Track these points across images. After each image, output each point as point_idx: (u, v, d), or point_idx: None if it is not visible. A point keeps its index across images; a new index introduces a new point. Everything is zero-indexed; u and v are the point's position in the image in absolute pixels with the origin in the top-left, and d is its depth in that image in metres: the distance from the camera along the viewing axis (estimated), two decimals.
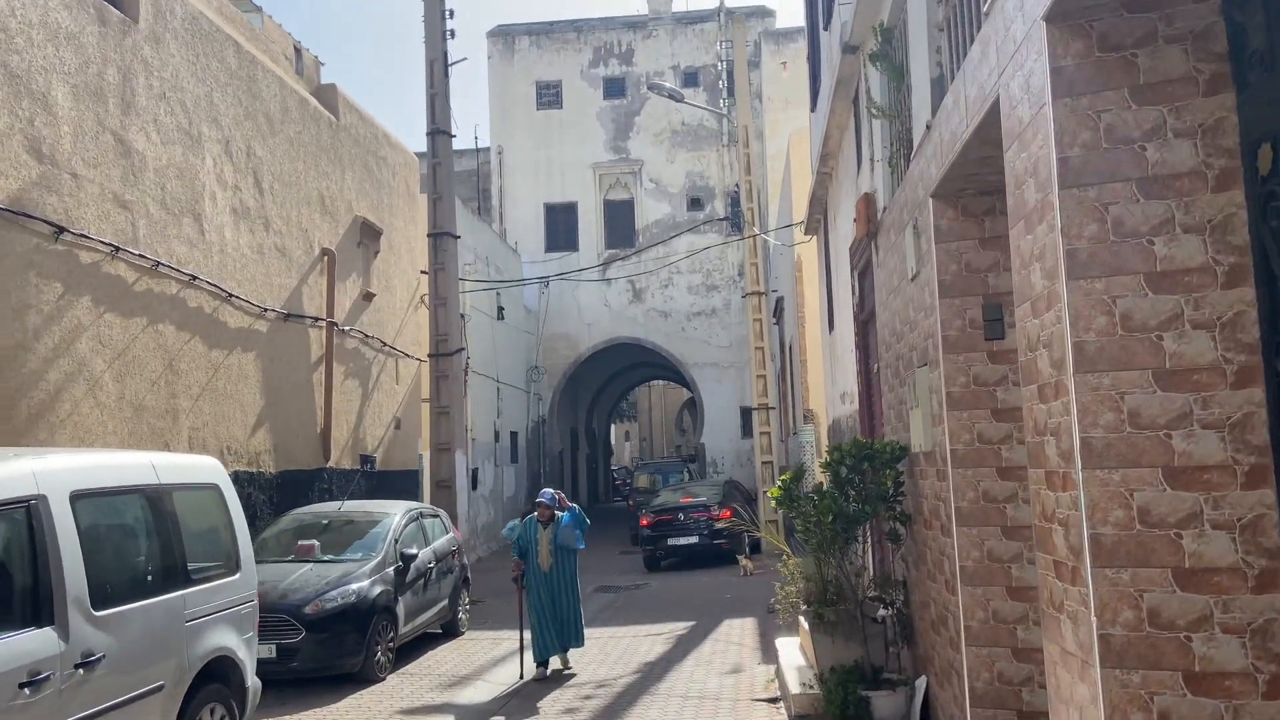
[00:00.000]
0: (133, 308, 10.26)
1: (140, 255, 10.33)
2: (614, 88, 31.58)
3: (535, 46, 31.79)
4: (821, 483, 7.89)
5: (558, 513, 10.21)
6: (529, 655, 10.23)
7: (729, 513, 19.28)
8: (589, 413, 37.58)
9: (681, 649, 11.44)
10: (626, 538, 23.38)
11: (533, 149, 31.53)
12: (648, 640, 12.05)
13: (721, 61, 30.11)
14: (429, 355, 15.97)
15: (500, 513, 26.15)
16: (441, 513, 13.17)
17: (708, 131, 31.22)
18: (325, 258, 14.38)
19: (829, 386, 13.78)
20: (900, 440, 7.23)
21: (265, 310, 12.77)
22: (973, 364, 5.65)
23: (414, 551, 11.22)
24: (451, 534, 13.01)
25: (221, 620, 6.73)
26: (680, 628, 12.78)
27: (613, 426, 55.34)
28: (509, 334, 27.73)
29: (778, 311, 24.28)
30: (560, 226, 31.43)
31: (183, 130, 11.19)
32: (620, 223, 31.43)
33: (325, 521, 11.60)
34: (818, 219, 13.59)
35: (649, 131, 31.42)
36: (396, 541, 11.16)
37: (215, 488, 7.05)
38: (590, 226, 31.37)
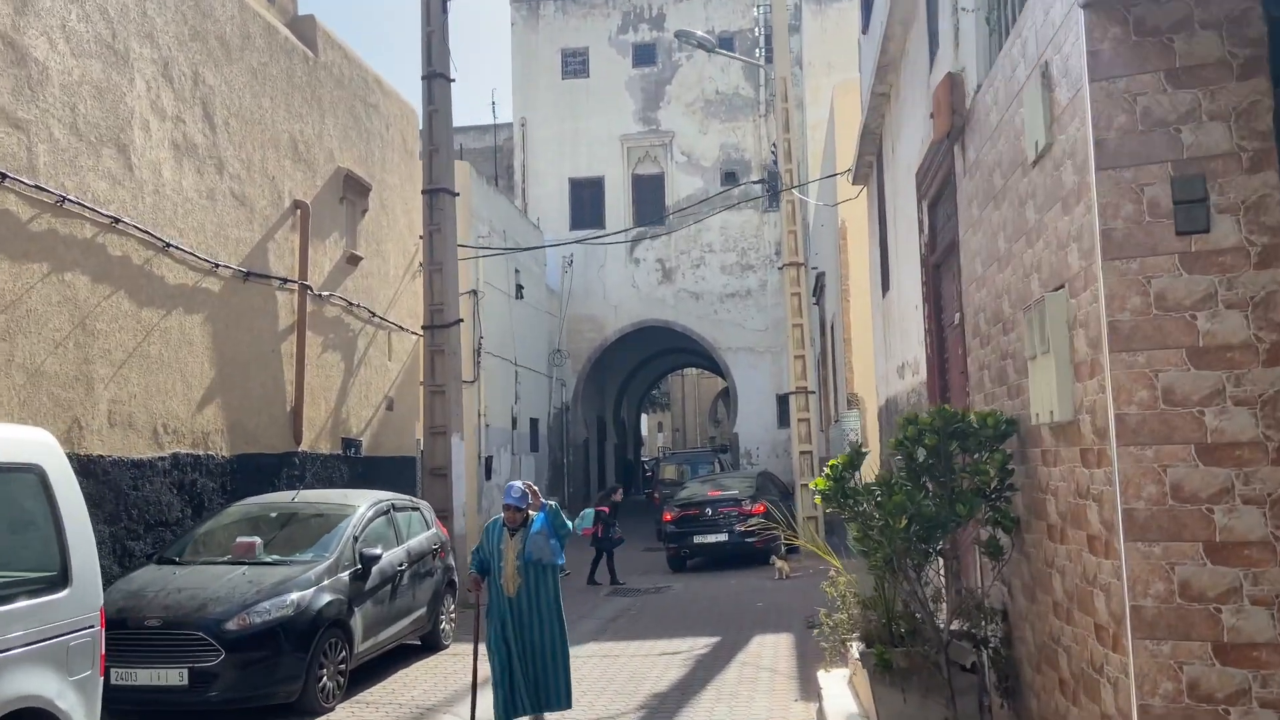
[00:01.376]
0: (27, 250, 8.24)
1: (38, 187, 8.32)
2: (644, 55, 29.35)
3: (561, 12, 29.64)
4: (886, 473, 5.66)
5: (532, 513, 7.13)
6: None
7: (762, 508, 17.03)
8: (617, 400, 35.46)
9: (701, 675, 9.26)
10: (652, 533, 21.16)
11: (557, 121, 29.39)
12: (661, 662, 9.89)
13: (760, 13, 27.75)
14: (423, 327, 13.90)
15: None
16: (422, 505, 11.07)
17: (743, 100, 28.91)
18: (298, 211, 12.33)
19: (881, 362, 11.53)
20: (1003, 411, 4.98)
21: (217, 266, 10.74)
22: (1155, 275, 3.41)
23: (377, 552, 9.13)
24: (433, 530, 10.92)
25: (31, 656, 4.65)
26: (702, 645, 10.59)
27: (644, 417, 53.24)
28: (529, 315, 25.67)
29: (817, 290, 21.95)
30: (586, 202, 29.29)
31: (103, 43, 9.16)
32: (649, 198, 29.23)
33: (275, 514, 9.56)
34: (869, 160, 11.32)
35: (681, 101, 29.17)
36: (356, 540, 9.08)
37: (34, 470, 4.96)
38: (618, 203, 29.18)
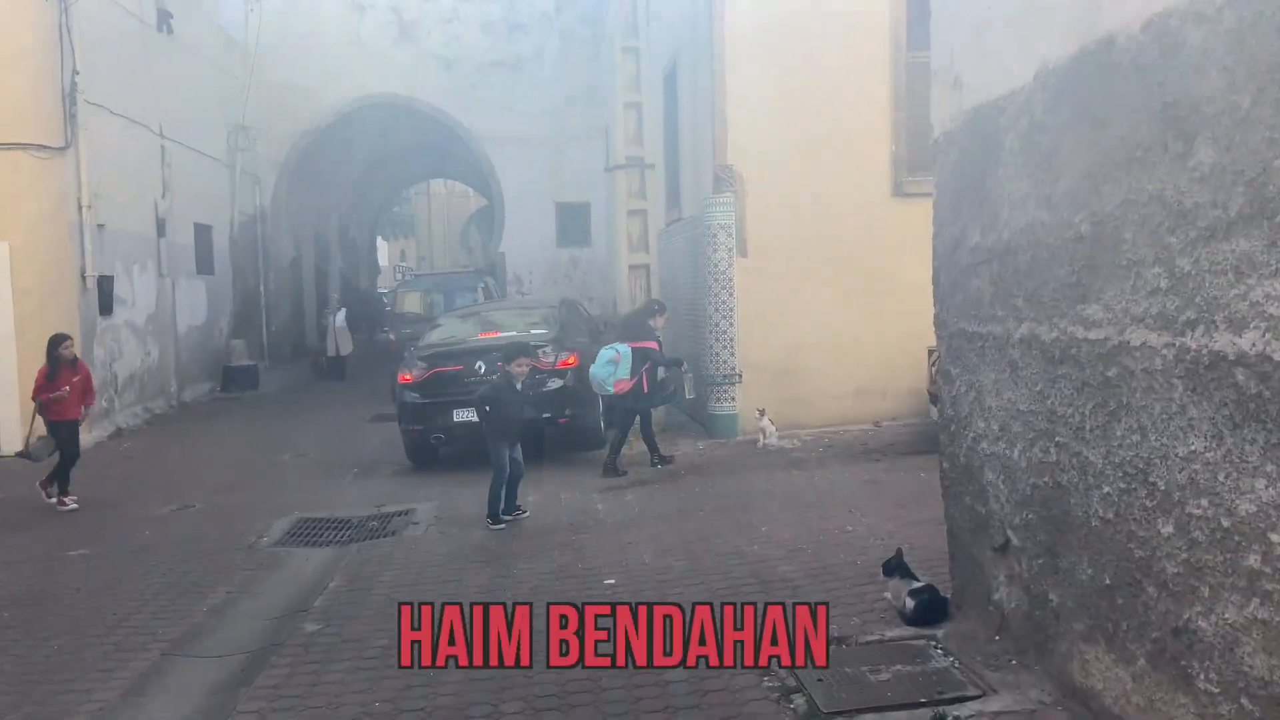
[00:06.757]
0: None
1: None
2: None
3: None
4: None
5: None
6: None
7: (574, 359, 9.43)
8: (345, 214, 26.15)
9: None
10: (385, 395, 12.93)
11: None
12: None
13: None
14: None
15: (177, 353, 15.14)
16: None
17: None
18: None
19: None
20: None
21: None
22: None
23: None
24: None
25: None
26: None
27: (385, 244, 43.72)
28: (188, 66, 15.95)
29: None
30: None
31: None
32: None
33: None
34: None
35: None
36: None
37: None
38: None
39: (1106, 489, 3.24)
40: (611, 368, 8.55)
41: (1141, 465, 3.04)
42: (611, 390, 8.64)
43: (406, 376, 9.34)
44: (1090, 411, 3.30)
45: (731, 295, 9.77)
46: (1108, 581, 3.27)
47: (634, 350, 8.58)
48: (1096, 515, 3.31)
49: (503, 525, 6.93)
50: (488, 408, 7.15)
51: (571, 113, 19.46)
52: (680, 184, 11.43)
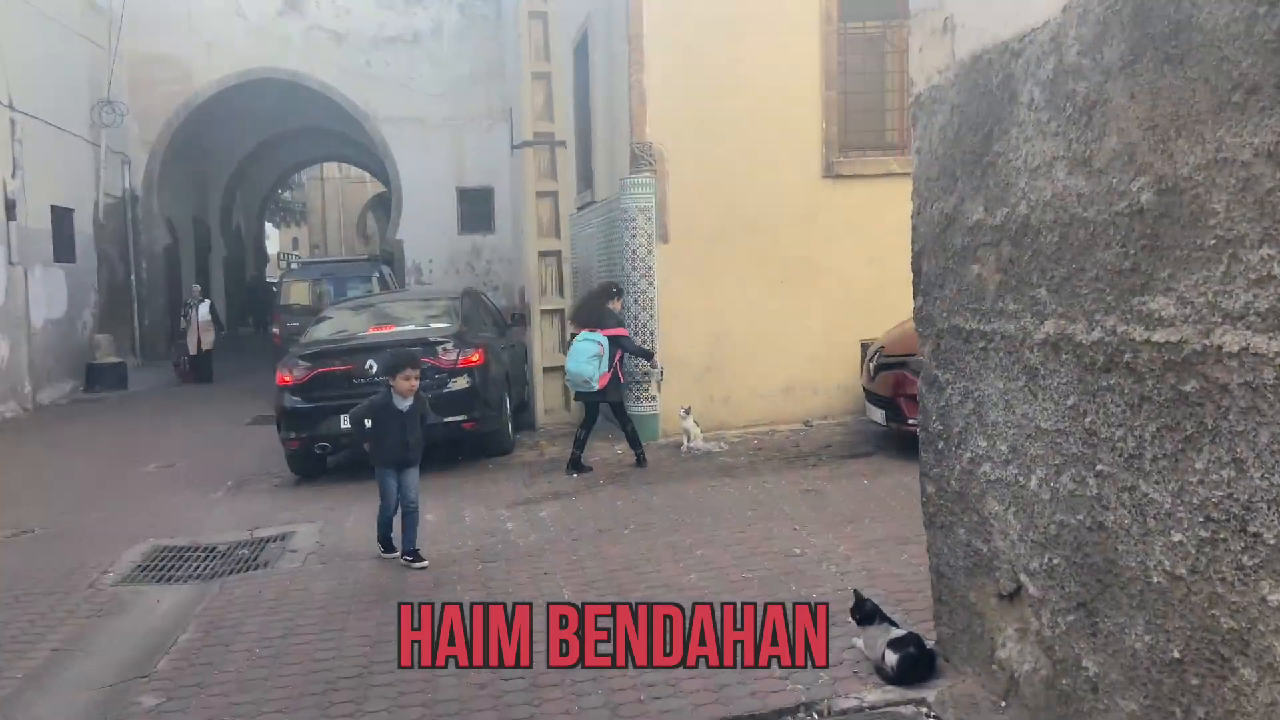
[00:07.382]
0: None
1: None
2: None
3: None
4: None
5: None
6: None
7: (479, 355, 8.46)
8: (227, 198, 24.34)
9: None
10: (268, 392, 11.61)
11: None
12: None
13: None
14: None
15: (31, 350, 13.52)
16: None
17: None
18: None
19: None
20: None
21: None
22: None
23: None
24: None
25: None
26: None
27: (275, 231, 41.54)
28: (41, 30, 14.28)
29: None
30: None
31: None
32: None
33: None
34: None
35: None
36: None
37: None
38: None
39: (1178, 536, 2.50)
40: (597, 362, 7.61)
41: (1236, 510, 2.30)
42: (596, 387, 7.69)
43: (285, 378, 8.20)
44: (1153, 435, 2.55)
45: (652, 285, 8.92)
46: (1176, 655, 2.53)
47: (612, 338, 7.70)
48: (1160, 569, 2.56)
49: (396, 553, 5.93)
50: (368, 422, 6.00)
51: (473, 92, 18.40)
52: (594, 164, 10.52)
